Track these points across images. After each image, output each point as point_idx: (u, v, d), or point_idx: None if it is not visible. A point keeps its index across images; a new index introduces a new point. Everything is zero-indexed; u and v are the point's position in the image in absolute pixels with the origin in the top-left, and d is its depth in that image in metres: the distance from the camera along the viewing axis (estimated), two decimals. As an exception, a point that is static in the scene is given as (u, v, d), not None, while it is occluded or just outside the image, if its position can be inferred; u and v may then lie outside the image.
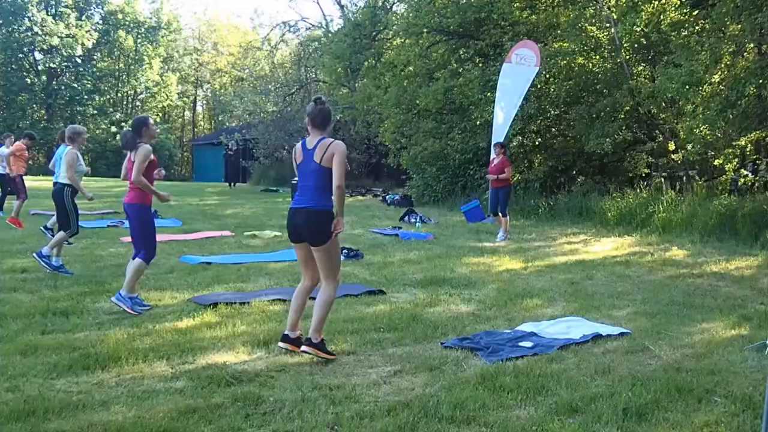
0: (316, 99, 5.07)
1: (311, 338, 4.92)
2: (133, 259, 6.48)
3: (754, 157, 15.53)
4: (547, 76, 17.46)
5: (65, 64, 43.62)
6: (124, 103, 49.31)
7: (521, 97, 15.10)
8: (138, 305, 6.31)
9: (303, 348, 4.92)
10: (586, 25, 16.78)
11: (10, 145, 14.44)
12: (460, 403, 4.06)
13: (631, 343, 5.45)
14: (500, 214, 12.05)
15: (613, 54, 16.49)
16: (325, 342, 5.02)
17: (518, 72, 15.14)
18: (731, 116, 12.45)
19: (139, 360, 4.81)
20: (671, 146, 16.25)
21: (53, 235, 10.61)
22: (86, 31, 43.48)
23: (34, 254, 8.21)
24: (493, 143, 13.75)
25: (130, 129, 6.59)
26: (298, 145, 5.07)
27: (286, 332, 5.09)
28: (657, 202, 13.64)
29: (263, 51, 39.67)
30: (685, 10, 13.89)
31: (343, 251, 9.21)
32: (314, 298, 5.09)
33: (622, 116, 16.71)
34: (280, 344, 5.05)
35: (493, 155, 12.91)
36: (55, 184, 8.41)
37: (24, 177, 13.54)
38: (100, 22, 46.44)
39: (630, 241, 11.96)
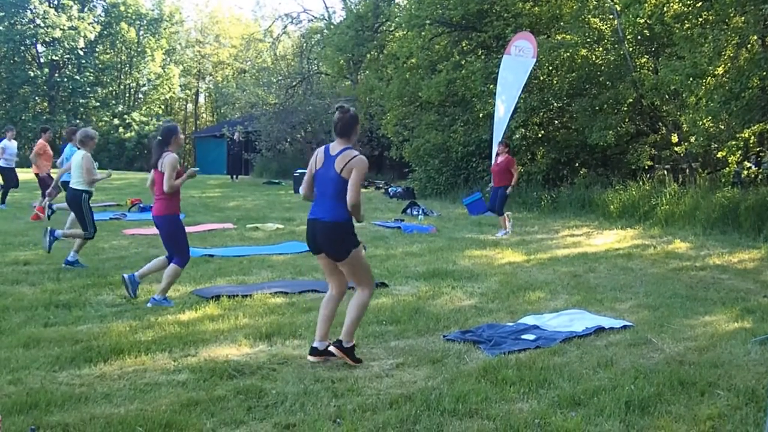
0: (339, 107, 4.82)
1: (342, 341, 4.67)
2: (169, 263, 6.49)
3: (758, 149, 15.49)
4: (550, 68, 17.40)
5: (67, 56, 43.51)
6: (127, 95, 49.22)
7: (520, 89, 15.05)
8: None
9: (331, 348, 4.66)
10: (589, 16, 16.72)
11: (12, 138, 14.42)
12: (463, 396, 4.06)
13: (634, 336, 5.44)
14: (497, 212, 11.94)
15: (616, 46, 16.41)
16: (356, 348, 4.78)
17: (517, 64, 15.09)
18: (735, 108, 12.40)
19: (141, 353, 4.82)
20: (674, 138, 16.19)
21: (51, 213, 10.86)
22: (88, 23, 43.39)
23: (55, 233, 8.32)
24: (496, 140, 13.68)
25: (159, 138, 6.53)
26: (321, 150, 4.80)
27: (314, 344, 4.77)
28: (660, 194, 13.61)
29: (265, 43, 39.52)
30: (688, 2, 13.80)
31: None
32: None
33: (625, 108, 16.67)
34: (310, 358, 4.72)
35: (495, 153, 12.77)
36: (68, 188, 8.30)
37: (48, 174, 13.49)
38: (103, 14, 46.29)
39: (633, 233, 11.94)
